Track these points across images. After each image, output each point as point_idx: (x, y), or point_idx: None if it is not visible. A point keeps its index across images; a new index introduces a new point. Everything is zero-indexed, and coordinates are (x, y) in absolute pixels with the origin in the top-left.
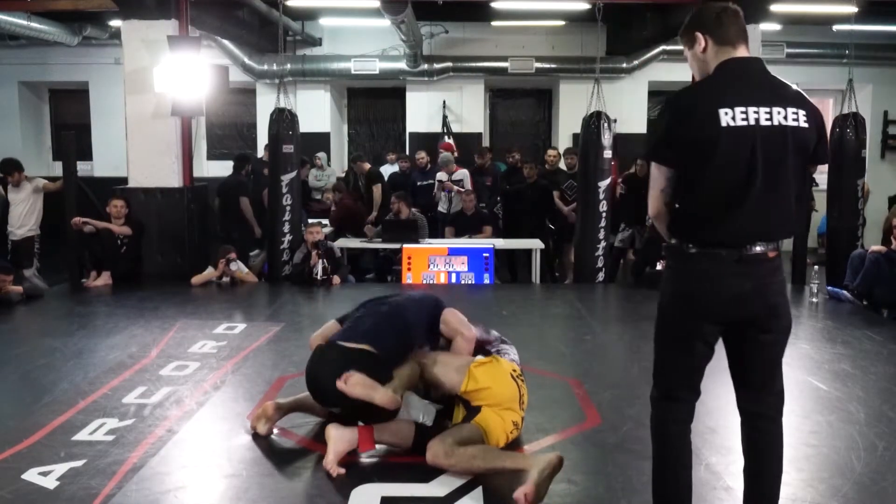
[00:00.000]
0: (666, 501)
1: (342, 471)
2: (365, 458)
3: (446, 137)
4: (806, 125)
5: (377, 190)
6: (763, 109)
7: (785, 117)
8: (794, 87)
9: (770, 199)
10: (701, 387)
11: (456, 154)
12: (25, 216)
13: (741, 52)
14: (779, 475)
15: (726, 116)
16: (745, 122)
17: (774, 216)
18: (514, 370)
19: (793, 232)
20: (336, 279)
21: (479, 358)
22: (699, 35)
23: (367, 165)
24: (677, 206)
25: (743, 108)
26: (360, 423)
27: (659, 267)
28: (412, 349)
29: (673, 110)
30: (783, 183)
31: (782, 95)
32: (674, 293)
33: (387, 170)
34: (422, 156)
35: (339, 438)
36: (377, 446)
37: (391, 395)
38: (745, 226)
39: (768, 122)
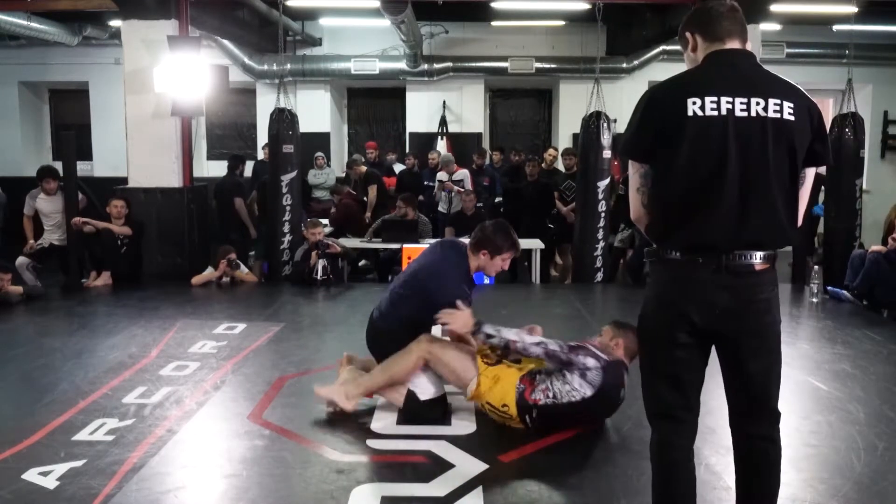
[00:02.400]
0: None
1: (354, 407)
2: (364, 457)
3: (441, 138)
4: (792, 118)
5: (372, 190)
6: (739, 100)
7: (765, 108)
8: (790, 81)
9: (749, 198)
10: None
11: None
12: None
13: (732, 46)
14: (774, 494)
15: (694, 106)
16: (714, 112)
17: (759, 220)
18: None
19: (788, 241)
20: (335, 247)
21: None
22: (688, 35)
23: (363, 168)
24: (655, 207)
25: (714, 98)
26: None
27: None
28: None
29: (644, 104)
30: (766, 182)
31: (768, 87)
32: (651, 299)
33: None
34: (433, 156)
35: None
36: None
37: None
38: (721, 229)
39: (744, 113)
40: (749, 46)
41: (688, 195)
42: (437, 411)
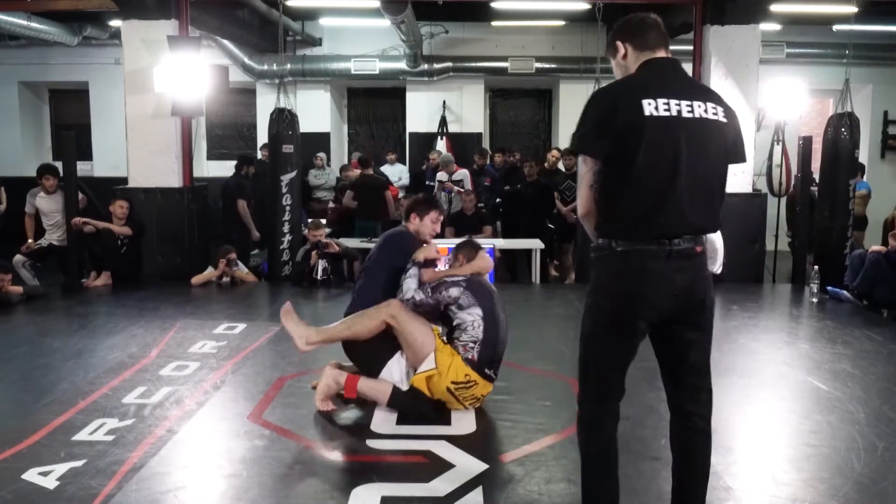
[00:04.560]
0: (599, 498)
1: (331, 407)
2: (364, 457)
3: (441, 138)
4: (724, 120)
5: (347, 196)
6: (685, 102)
7: (705, 111)
8: (707, 86)
9: (696, 192)
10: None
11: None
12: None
13: (661, 55)
14: (708, 471)
15: (649, 107)
16: (667, 113)
17: (702, 211)
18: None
19: (716, 228)
20: (333, 246)
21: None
22: (619, 43)
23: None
24: (608, 203)
25: (665, 100)
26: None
27: None
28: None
29: (598, 104)
30: (708, 176)
31: (700, 92)
32: (606, 291)
33: (387, 170)
34: (434, 155)
35: (329, 381)
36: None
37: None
38: (674, 220)
39: (690, 114)
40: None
41: (646, 191)
42: (425, 403)
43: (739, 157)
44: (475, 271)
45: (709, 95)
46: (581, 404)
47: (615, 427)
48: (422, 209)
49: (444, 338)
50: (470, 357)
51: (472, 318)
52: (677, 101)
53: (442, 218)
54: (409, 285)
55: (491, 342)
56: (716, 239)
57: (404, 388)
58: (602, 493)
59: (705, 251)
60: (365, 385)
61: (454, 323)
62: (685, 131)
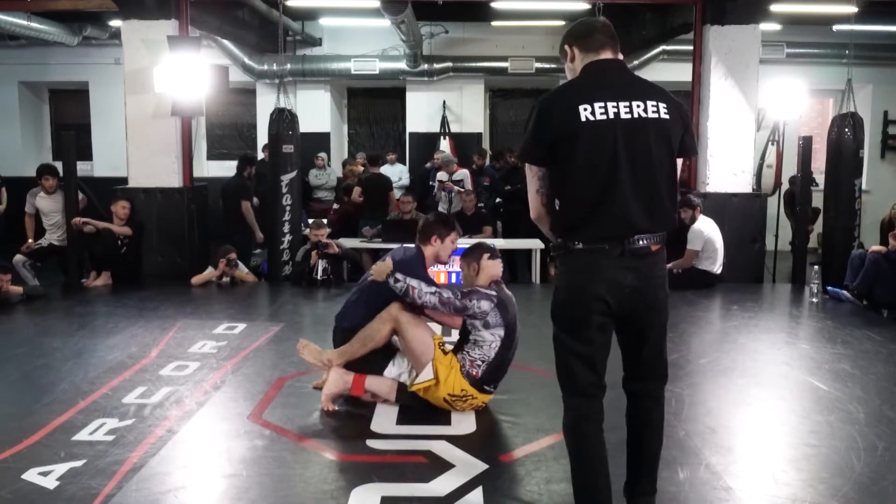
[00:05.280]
0: (589, 493)
1: (334, 407)
2: (364, 457)
3: (444, 138)
4: (667, 116)
5: (355, 192)
6: (623, 104)
7: (644, 110)
8: (658, 84)
9: (640, 190)
10: (606, 382)
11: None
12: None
13: (606, 56)
14: (659, 447)
15: (585, 112)
16: (604, 117)
17: (647, 208)
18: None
19: (672, 225)
20: (333, 247)
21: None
22: (566, 47)
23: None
24: (556, 205)
25: (602, 104)
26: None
27: None
28: None
29: (538, 112)
30: (651, 174)
31: (641, 90)
32: (564, 288)
33: (387, 170)
34: (438, 156)
35: (336, 379)
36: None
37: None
38: (619, 218)
39: (628, 115)
40: (620, 56)
41: (586, 191)
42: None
43: (688, 151)
44: (493, 279)
45: (650, 94)
46: (564, 403)
47: (595, 427)
48: (443, 231)
49: (447, 346)
50: (473, 373)
51: (491, 339)
52: (615, 104)
53: (458, 236)
54: (422, 288)
55: (499, 363)
56: (716, 239)
57: (405, 378)
58: (587, 490)
59: (663, 249)
60: (373, 382)
61: (471, 337)
62: (623, 133)
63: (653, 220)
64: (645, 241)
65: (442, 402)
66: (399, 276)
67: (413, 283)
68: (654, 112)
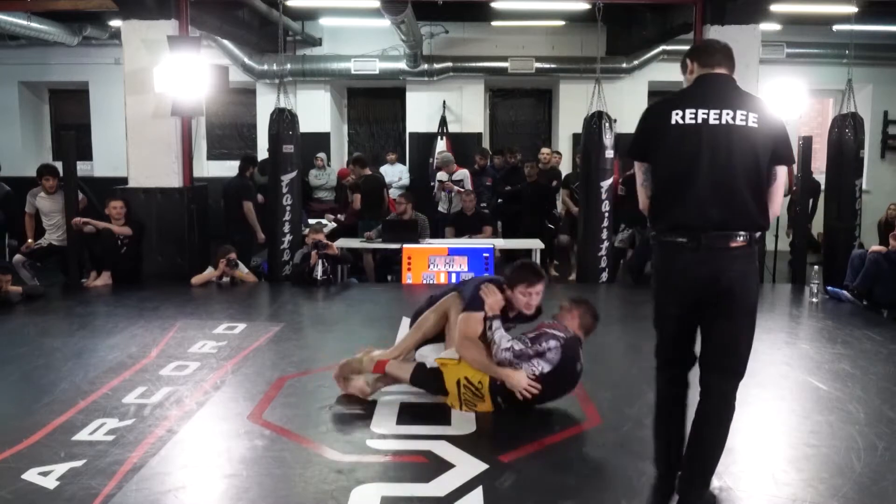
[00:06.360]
0: (659, 445)
1: (345, 386)
2: (364, 457)
3: (441, 138)
4: (755, 125)
5: (357, 200)
6: (713, 111)
7: (733, 118)
8: (759, 98)
9: (719, 190)
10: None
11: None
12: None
13: (719, 71)
14: (715, 443)
15: (676, 116)
16: (693, 121)
17: (726, 207)
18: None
19: (754, 225)
20: (333, 248)
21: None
22: (688, 61)
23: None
24: (650, 199)
25: (693, 110)
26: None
27: None
28: None
29: (642, 116)
30: (731, 175)
31: (737, 101)
32: (654, 273)
33: (387, 170)
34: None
35: (362, 357)
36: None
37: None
38: (694, 213)
39: (716, 122)
40: (735, 75)
41: (669, 187)
42: (441, 384)
43: (781, 160)
44: (581, 333)
45: (744, 105)
46: (656, 370)
47: (674, 389)
48: (533, 280)
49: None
50: (497, 382)
51: (532, 370)
52: (705, 111)
53: (541, 287)
54: (500, 336)
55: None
56: None
57: (431, 365)
58: (660, 438)
59: (748, 247)
60: (393, 365)
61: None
62: (707, 136)
63: (731, 218)
64: (722, 237)
65: (453, 386)
66: (496, 324)
67: (497, 336)
68: (742, 120)
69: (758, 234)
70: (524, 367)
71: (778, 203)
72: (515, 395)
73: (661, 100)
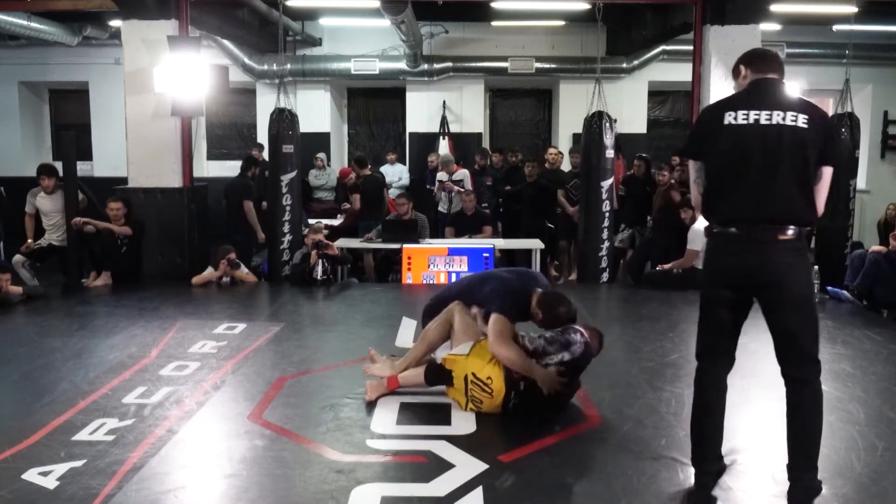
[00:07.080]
0: (696, 436)
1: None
2: (364, 457)
3: (443, 138)
4: (805, 126)
5: (356, 200)
6: (764, 112)
7: (783, 118)
8: (811, 101)
9: (769, 185)
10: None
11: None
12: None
13: (770, 76)
14: (813, 430)
15: (729, 117)
16: (745, 122)
17: (774, 201)
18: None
19: (801, 219)
20: (333, 248)
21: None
22: (741, 66)
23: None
24: (705, 194)
25: (745, 111)
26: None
27: (659, 267)
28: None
29: (697, 117)
30: (780, 172)
31: (787, 103)
32: (706, 264)
33: (387, 170)
34: (433, 157)
35: (377, 385)
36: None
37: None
38: (746, 207)
39: (767, 122)
40: (783, 79)
41: (722, 182)
42: (448, 377)
43: (828, 159)
44: (596, 347)
45: (794, 107)
46: (696, 358)
47: (712, 383)
48: (563, 320)
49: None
50: (514, 377)
51: (558, 356)
52: (757, 112)
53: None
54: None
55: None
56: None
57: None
58: (696, 429)
59: (798, 240)
60: (404, 377)
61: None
62: (758, 135)
63: (779, 212)
64: (772, 230)
65: (460, 381)
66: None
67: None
68: (791, 121)
69: (806, 229)
70: (544, 359)
71: (822, 201)
72: (529, 395)
73: (714, 103)
